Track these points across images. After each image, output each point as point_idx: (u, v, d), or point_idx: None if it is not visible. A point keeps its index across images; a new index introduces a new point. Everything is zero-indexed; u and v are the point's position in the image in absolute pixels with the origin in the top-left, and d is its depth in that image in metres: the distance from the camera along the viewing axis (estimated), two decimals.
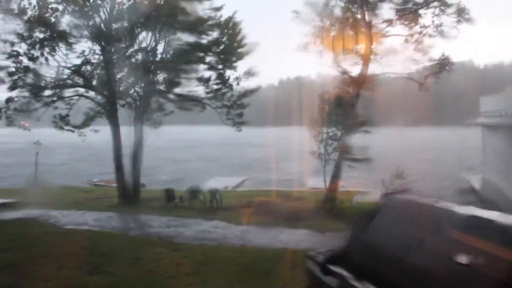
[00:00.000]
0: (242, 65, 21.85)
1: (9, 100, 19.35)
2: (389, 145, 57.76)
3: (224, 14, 20.88)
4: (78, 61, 20.15)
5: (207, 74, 21.43)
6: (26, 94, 19.48)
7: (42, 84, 19.64)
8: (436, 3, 18.46)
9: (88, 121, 21.38)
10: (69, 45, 19.62)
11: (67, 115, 20.78)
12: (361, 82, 19.18)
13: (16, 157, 58.77)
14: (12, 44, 18.84)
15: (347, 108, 20.10)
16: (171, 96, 21.74)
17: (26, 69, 19.20)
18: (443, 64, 19.13)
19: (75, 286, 7.13)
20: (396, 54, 19.72)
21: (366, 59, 19.22)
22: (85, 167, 52.85)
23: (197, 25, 19.90)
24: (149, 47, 20.68)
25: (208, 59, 21.14)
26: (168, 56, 21.08)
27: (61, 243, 10.87)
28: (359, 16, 19.32)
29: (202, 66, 21.26)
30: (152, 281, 7.53)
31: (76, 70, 20.16)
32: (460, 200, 3.86)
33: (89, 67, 20.74)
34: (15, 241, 10.64)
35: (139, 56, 21.09)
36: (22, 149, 47.36)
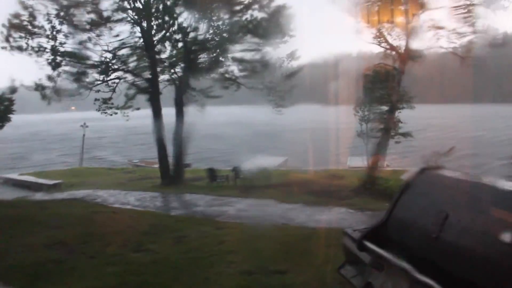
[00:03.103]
0: (283, 44, 21.37)
1: (50, 78, 19.66)
2: (434, 122, 56.06)
3: None
4: (119, 44, 20.36)
5: (248, 54, 21.19)
6: (68, 77, 19.85)
7: (84, 68, 19.92)
8: None
9: (129, 102, 21.39)
10: (110, 29, 19.80)
11: (110, 98, 20.99)
12: (404, 57, 18.46)
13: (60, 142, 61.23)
14: (55, 28, 19.17)
15: (390, 84, 19.45)
16: (212, 76, 21.72)
17: (69, 53, 19.53)
18: (497, 40, 18.06)
19: (119, 262, 7.22)
20: (442, 27, 18.80)
21: (409, 33, 18.43)
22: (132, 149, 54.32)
23: (238, 4, 19.65)
24: (190, 27, 20.59)
25: (248, 38, 20.83)
26: (209, 36, 20.93)
27: (106, 221, 11.12)
28: None
29: (243, 46, 21.03)
30: (194, 258, 7.54)
31: (118, 54, 20.37)
32: (508, 178, 3.61)
33: (130, 50, 20.91)
34: (63, 219, 10.95)
35: (180, 37, 21.04)
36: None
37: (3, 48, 18.62)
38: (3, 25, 18.58)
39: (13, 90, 15.65)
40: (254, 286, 6.08)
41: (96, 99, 20.83)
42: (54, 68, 19.46)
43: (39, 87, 19.76)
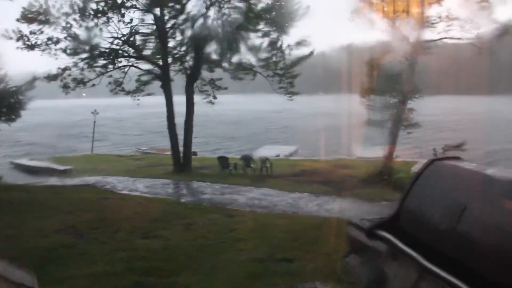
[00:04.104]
0: (293, 32, 21.15)
1: (65, 69, 19.72)
2: (446, 114, 55.43)
3: None
4: (131, 31, 20.33)
5: (258, 41, 21.00)
6: (81, 64, 19.83)
7: (96, 54, 19.88)
8: None
9: (141, 87, 21.57)
10: (122, 16, 19.71)
11: (122, 82, 21.10)
12: (417, 48, 18.18)
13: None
14: (67, 15, 19.11)
15: (402, 74, 19.21)
16: (222, 64, 21.61)
17: (80, 40, 19.49)
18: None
19: (129, 248, 7.27)
20: (457, 17, 18.46)
21: (423, 23, 18.12)
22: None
23: None
24: (200, 14, 20.47)
25: (260, 26, 20.65)
26: (220, 23, 20.79)
27: (116, 208, 11.20)
28: None
29: (253, 34, 20.86)
30: (203, 245, 7.56)
31: (129, 40, 20.32)
32: None
33: (141, 37, 20.87)
34: (75, 205, 11.06)
35: (190, 25, 20.93)
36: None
37: (18, 48, 18.64)
38: (18, 19, 18.58)
39: (32, 86, 15.99)
40: (265, 274, 6.09)
41: (109, 83, 20.96)
42: (70, 56, 19.53)
43: (64, 84, 19.80)
